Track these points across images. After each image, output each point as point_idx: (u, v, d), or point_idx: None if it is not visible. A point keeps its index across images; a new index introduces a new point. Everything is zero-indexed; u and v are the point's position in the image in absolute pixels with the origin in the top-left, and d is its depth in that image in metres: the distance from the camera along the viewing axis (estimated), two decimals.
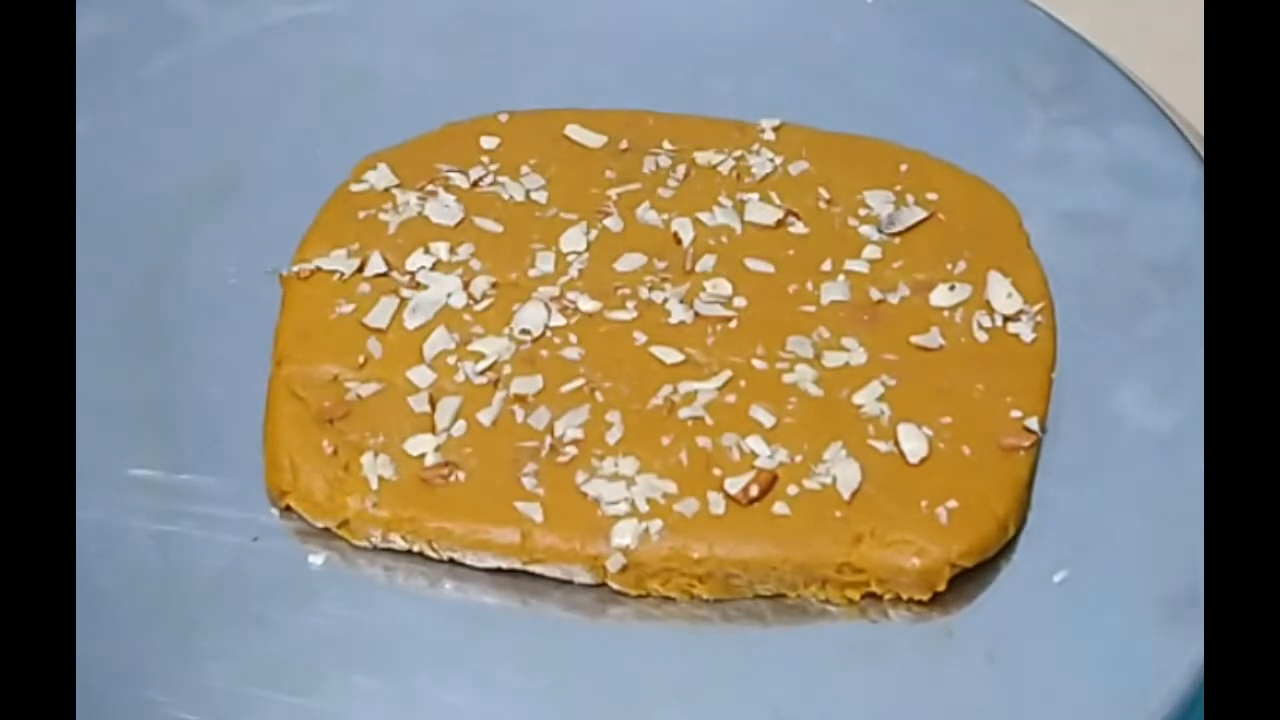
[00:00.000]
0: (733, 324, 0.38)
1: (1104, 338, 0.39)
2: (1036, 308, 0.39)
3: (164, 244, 0.41)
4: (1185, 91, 0.45)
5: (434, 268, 0.39)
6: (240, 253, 0.41)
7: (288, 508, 0.36)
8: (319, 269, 0.39)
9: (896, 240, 0.40)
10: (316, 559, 0.36)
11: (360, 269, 0.39)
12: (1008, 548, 0.36)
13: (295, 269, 0.39)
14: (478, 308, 0.38)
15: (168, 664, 0.35)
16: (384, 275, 0.39)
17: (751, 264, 0.39)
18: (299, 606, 0.35)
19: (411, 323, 0.38)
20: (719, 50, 0.45)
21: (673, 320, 0.38)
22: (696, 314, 0.38)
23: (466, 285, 0.39)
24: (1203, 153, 0.43)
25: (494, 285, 0.39)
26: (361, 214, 0.40)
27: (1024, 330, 0.39)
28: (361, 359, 0.38)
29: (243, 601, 0.35)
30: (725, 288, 0.39)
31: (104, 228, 0.41)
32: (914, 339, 0.38)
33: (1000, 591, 0.36)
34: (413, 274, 0.39)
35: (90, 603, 0.35)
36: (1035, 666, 0.35)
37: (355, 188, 0.41)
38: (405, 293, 0.39)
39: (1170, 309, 0.40)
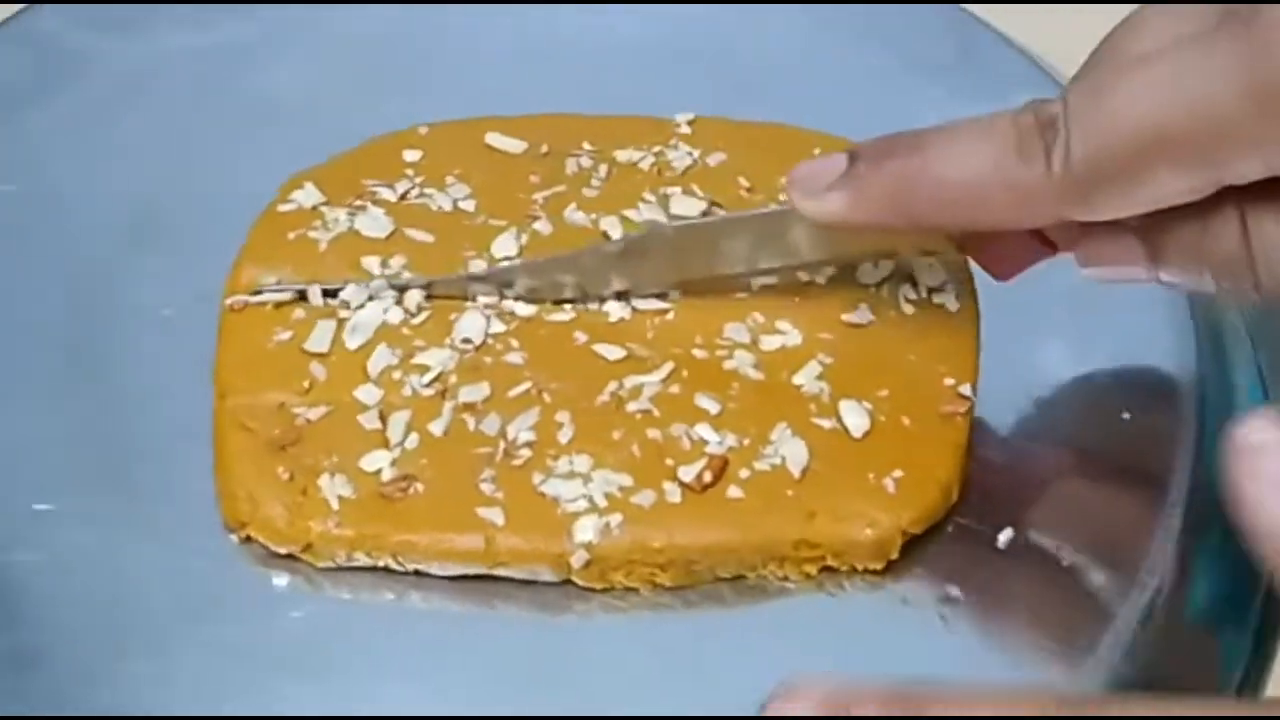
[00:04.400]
0: (670, 316, 0.39)
1: (1022, 298, 0.41)
2: (959, 276, 0.40)
3: (91, 280, 0.41)
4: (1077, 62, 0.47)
5: (370, 299, 0.39)
6: (171, 284, 0.41)
7: (248, 537, 0.36)
8: (249, 303, 0.39)
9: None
10: (280, 580, 0.36)
11: (294, 300, 0.39)
12: (952, 512, 0.37)
13: (229, 302, 0.39)
14: (415, 321, 0.39)
15: (131, 694, 0.34)
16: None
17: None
18: (263, 628, 0.36)
19: (352, 343, 0.38)
20: (629, 51, 0.46)
21: (611, 319, 0.39)
22: (634, 309, 0.39)
23: (400, 301, 0.39)
24: None
25: (428, 298, 0.39)
26: (291, 234, 0.40)
27: (948, 299, 0.40)
28: (306, 384, 0.38)
29: (207, 627, 0.35)
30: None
31: (29, 272, 0.41)
32: (845, 317, 0.39)
33: (948, 556, 0.37)
34: (348, 303, 0.39)
35: (48, 638, 0.35)
36: (987, 625, 0.36)
37: (283, 208, 0.41)
38: (342, 314, 0.39)
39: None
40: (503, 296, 0.39)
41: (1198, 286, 0.35)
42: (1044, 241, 0.37)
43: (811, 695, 0.31)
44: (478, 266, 0.40)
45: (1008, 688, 0.31)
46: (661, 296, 0.39)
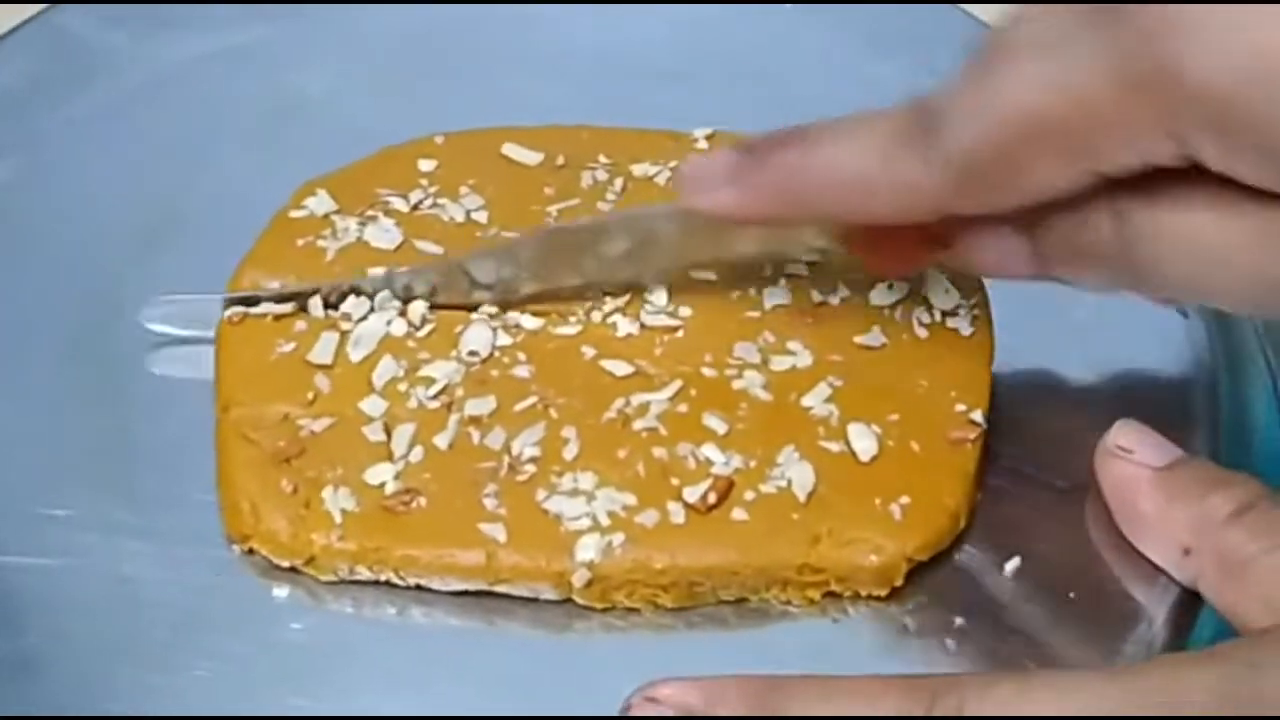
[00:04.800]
0: (679, 334, 0.39)
1: (1038, 325, 0.40)
2: (972, 300, 0.40)
3: (103, 281, 0.41)
4: None
5: (371, 311, 0.39)
6: (182, 288, 0.40)
7: (250, 550, 0.36)
8: (247, 315, 0.39)
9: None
10: (281, 592, 0.36)
11: (294, 312, 0.39)
12: (960, 539, 0.37)
13: (227, 314, 0.39)
14: (420, 334, 0.39)
15: (130, 704, 0.34)
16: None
17: (694, 274, 0.40)
18: (264, 640, 0.35)
19: (356, 355, 0.38)
20: (649, 63, 0.45)
21: (620, 334, 0.39)
22: (643, 325, 0.39)
23: (404, 313, 0.39)
24: None
25: (432, 309, 0.39)
26: (300, 241, 0.40)
27: (962, 324, 0.39)
28: (310, 395, 0.37)
29: (207, 638, 0.35)
30: (663, 297, 0.39)
31: (41, 269, 0.41)
32: (857, 339, 0.39)
33: (955, 583, 0.37)
34: (349, 315, 0.39)
35: (48, 646, 0.35)
36: (992, 654, 0.36)
37: (294, 214, 0.41)
38: (344, 326, 0.39)
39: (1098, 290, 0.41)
40: (475, 286, 0.39)
41: (1077, 283, 0.35)
42: (934, 239, 0.37)
43: (673, 697, 0.31)
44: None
45: (867, 679, 0.31)
46: (671, 314, 0.39)
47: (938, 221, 0.35)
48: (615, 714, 0.32)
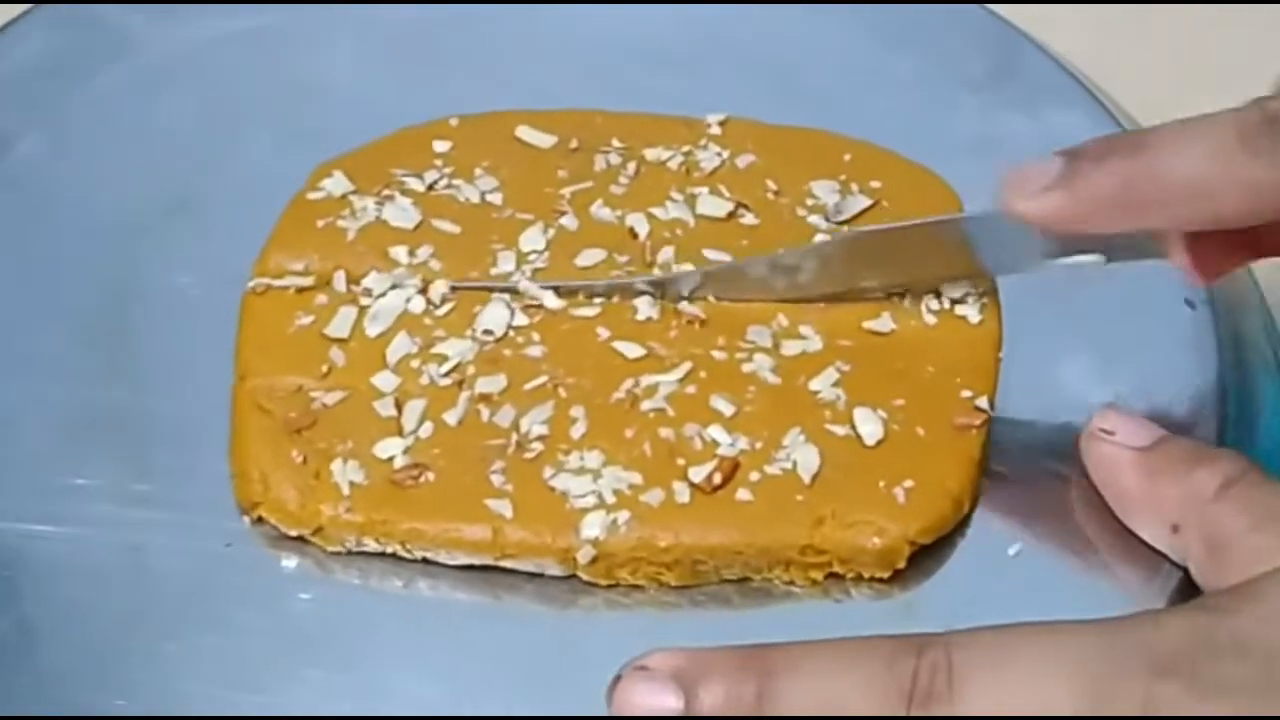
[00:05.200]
0: (700, 317, 0.39)
1: (1046, 314, 0.41)
2: (981, 289, 0.40)
3: (121, 258, 0.41)
4: (1113, 73, 0.47)
5: (391, 288, 0.39)
6: (199, 264, 0.41)
7: (259, 518, 0.37)
8: (270, 287, 0.39)
9: (844, 228, 0.41)
10: (289, 563, 0.37)
11: (317, 285, 0.39)
12: (963, 524, 0.37)
13: (252, 284, 0.39)
14: (438, 312, 0.39)
15: (137, 670, 0.35)
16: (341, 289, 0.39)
17: (709, 254, 0.40)
18: (272, 610, 0.36)
19: (372, 330, 0.39)
20: (664, 49, 0.46)
21: (639, 316, 0.39)
22: (663, 309, 0.39)
23: (424, 291, 0.39)
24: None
25: (453, 289, 0.39)
26: (320, 222, 0.40)
27: (970, 312, 0.40)
28: (325, 368, 0.38)
29: (215, 606, 0.36)
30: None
31: (60, 244, 0.42)
32: (866, 324, 0.39)
33: (957, 566, 0.37)
34: (370, 290, 0.39)
35: (59, 612, 0.36)
36: None
37: (312, 195, 0.41)
38: (364, 301, 0.39)
39: (1106, 281, 0.41)
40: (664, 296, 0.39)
41: None
42: (1249, 245, 0.37)
43: (662, 663, 0.31)
44: (506, 259, 0.40)
45: (854, 639, 0.32)
46: (700, 300, 0.39)
47: (1267, 227, 0.35)
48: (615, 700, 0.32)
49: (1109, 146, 0.35)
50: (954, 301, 0.40)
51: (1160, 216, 0.35)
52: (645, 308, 0.39)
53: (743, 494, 0.36)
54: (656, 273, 0.39)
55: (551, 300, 0.39)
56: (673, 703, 0.31)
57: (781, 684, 0.31)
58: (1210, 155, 0.34)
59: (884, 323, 0.39)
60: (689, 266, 0.39)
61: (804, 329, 0.39)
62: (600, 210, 0.41)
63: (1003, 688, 0.30)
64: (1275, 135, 0.33)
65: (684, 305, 0.39)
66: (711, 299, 0.39)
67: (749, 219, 0.41)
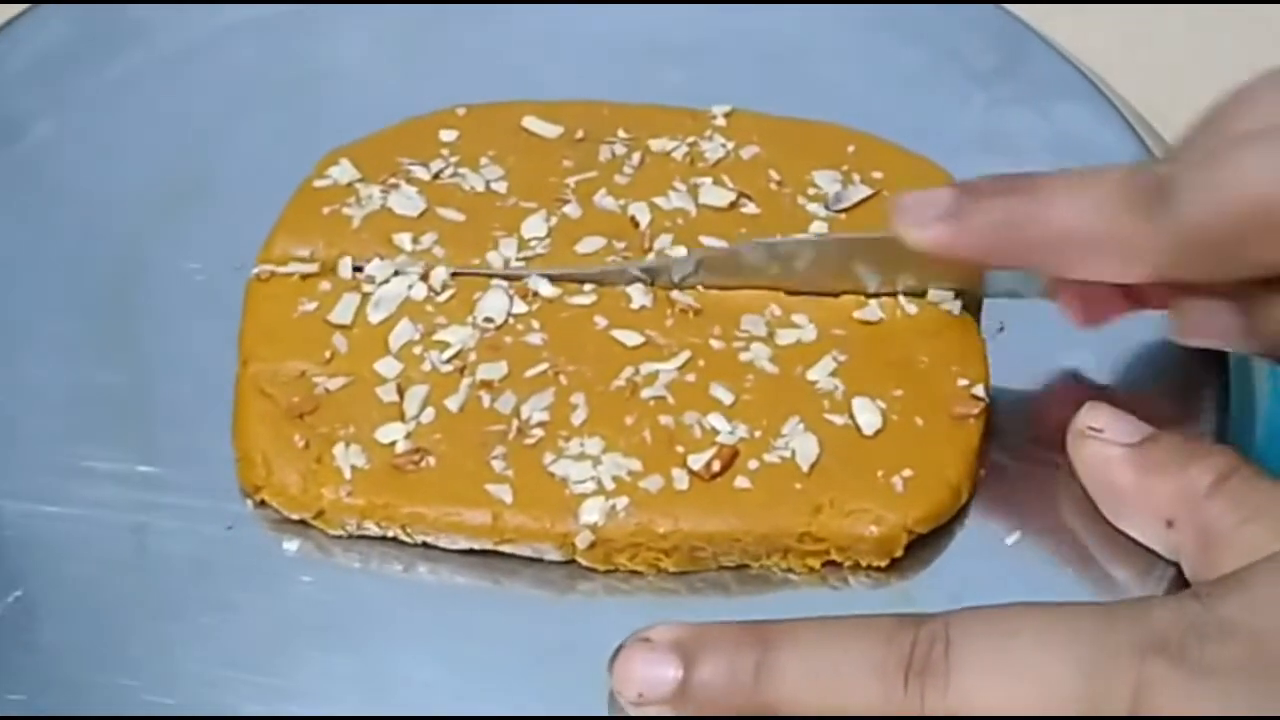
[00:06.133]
0: (694, 306, 0.39)
1: (1042, 307, 0.40)
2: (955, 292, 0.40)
3: (129, 242, 0.42)
4: (1120, 70, 0.47)
5: (395, 274, 0.40)
6: (206, 250, 0.41)
7: (262, 502, 0.37)
8: (275, 273, 0.40)
9: (843, 217, 0.41)
10: (291, 545, 0.37)
11: (321, 271, 0.40)
12: (961, 513, 0.37)
13: (256, 271, 0.40)
14: (440, 299, 0.39)
15: (140, 650, 0.35)
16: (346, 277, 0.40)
17: (705, 242, 0.40)
18: (274, 592, 0.36)
19: (375, 317, 0.39)
20: (670, 40, 0.46)
21: (634, 305, 0.39)
22: (656, 297, 0.40)
23: (426, 278, 0.40)
24: (1138, 128, 0.44)
25: (454, 275, 0.40)
26: (326, 209, 0.41)
27: (948, 303, 0.40)
28: (328, 354, 0.38)
29: (218, 588, 0.36)
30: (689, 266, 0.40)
31: (70, 228, 0.42)
32: (856, 314, 0.39)
33: (955, 555, 0.37)
34: (373, 277, 0.40)
35: (63, 592, 0.36)
36: None
37: (318, 183, 0.41)
38: (366, 288, 0.39)
39: None
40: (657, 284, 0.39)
41: None
42: (1132, 297, 0.38)
43: (664, 640, 0.32)
44: (508, 245, 0.40)
45: (854, 616, 0.32)
46: (691, 289, 0.40)
47: (1148, 284, 0.36)
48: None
49: (1002, 185, 0.36)
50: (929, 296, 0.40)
51: (1041, 259, 0.36)
52: (639, 295, 0.39)
53: (741, 481, 0.37)
54: (650, 258, 0.40)
55: (545, 287, 0.39)
56: (672, 673, 0.32)
57: (781, 655, 0.31)
58: (1096, 208, 0.35)
59: (872, 312, 0.40)
60: (681, 250, 0.40)
61: (797, 318, 0.39)
62: (604, 199, 0.41)
63: (999, 661, 0.31)
64: (1162, 200, 0.34)
65: (677, 294, 0.39)
66: (702, 288, 0.39)
67: (750, 208, 0.41)
